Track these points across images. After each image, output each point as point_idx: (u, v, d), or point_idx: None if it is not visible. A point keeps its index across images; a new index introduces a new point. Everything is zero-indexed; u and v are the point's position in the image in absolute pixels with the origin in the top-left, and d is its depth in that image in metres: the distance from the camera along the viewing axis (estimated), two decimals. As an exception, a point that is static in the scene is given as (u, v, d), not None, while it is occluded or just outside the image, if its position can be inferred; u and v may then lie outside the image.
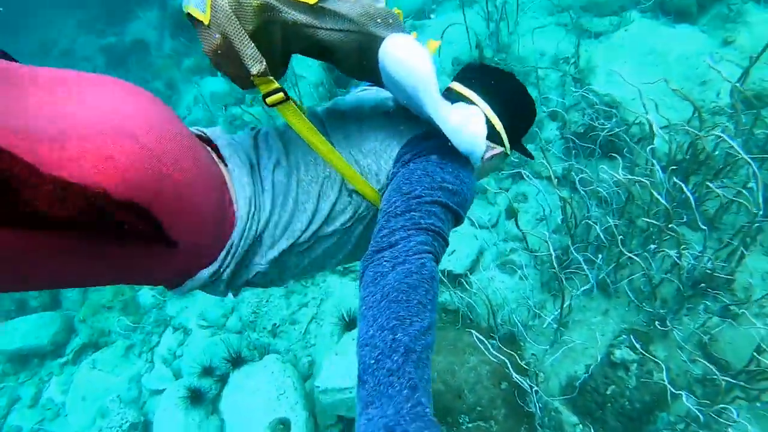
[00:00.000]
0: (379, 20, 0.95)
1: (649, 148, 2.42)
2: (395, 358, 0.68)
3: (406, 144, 1.07)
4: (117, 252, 0.79)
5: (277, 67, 1.02)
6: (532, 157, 1.31)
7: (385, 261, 0.82)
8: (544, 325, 2.72)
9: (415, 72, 0.94)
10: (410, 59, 0.94)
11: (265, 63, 0.91)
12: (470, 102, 1.13)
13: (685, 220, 2.70)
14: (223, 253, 0.97)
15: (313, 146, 1.04)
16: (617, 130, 2.94)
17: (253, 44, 0.89)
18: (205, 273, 0.96)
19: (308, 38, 0.95)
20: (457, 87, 1.17)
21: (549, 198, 3.19)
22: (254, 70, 0.90)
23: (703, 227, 2.10)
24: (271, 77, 0.95)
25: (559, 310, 2.56)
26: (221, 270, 0.99)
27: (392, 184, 0.99)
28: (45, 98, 0.72)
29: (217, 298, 3.89)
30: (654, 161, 2.39)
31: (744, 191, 2.35)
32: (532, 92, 3.92)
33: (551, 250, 2.47)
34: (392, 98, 1.20)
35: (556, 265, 2.39)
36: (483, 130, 1.06)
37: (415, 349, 0.69)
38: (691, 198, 2.17)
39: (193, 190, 0.84)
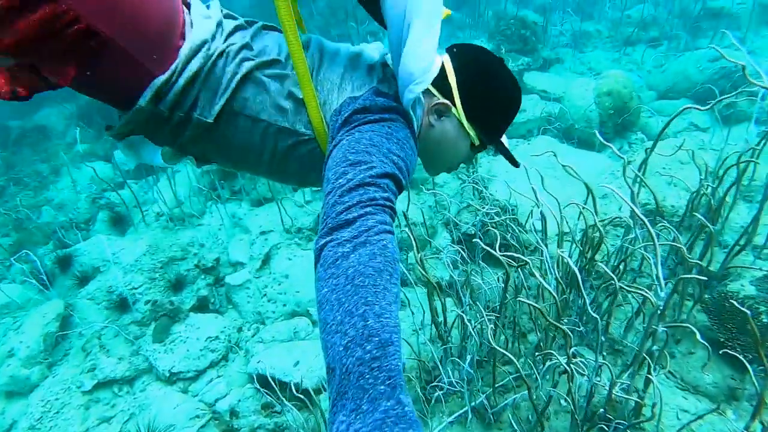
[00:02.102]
0: None
1: (532, 221, 1.98)
2: (368, 348, 0.64)
3: (355, 96, 1.07)
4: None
5: None
6: (516, 164, 1.26)
7: (345, 240, 0.78)
8: (401, 461, 1.97)
9: None
10: None
11: None
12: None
13: (582, 330, 2.18)
14: (165, 75, 0.98)
15: (285, 35, 1.03)
16: (504, 217, 2.53)
17: None
18: (145, 96, 0.98)
19: None
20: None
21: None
22: None
23: (596, 315, 1.58)
24: None
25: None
26: (160, 98, 1.00)
27: (337, 152, 0.96)
28: None
29: None
30: (540, 238, 1.94)
31: (649, 294, 1.91)
32: (428, 200, 3.68)
33: (401, 364, 1.87)
34: (371, 57, 1.19)
35: (413, 376, 1.76)
36: (432, 66, 1.06)
37: (392, 341, 0.65)
38: (583, 279, 1.68)
39: None
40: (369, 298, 0.69)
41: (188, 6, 1.11)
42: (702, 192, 2.48)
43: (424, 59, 1.03)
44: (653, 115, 4.38)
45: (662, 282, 1.58)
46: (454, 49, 1.20)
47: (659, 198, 3.08)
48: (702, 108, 1.95)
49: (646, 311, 2.16)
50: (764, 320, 2.15)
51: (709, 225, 2.06)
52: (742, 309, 1.45)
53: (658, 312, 1.69)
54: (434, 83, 1.14)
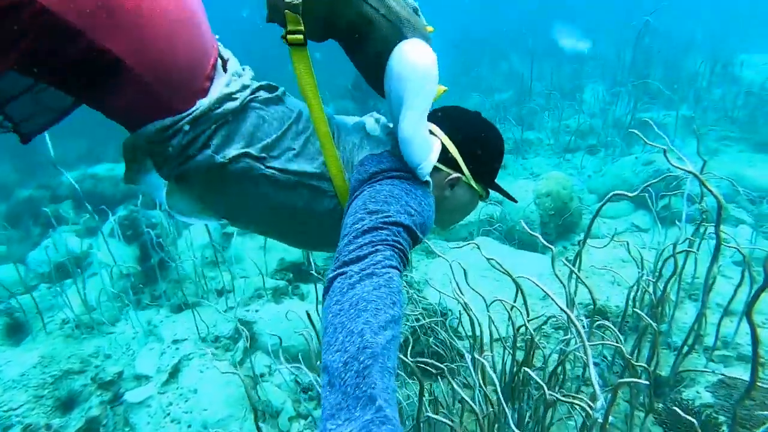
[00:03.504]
0: (414, 26, 1.12)
1: (456, 317, 1.73)
2: (362, 359, 0.67)
3: (376, 154, 1.15)
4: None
5: (313, 31, 1.10)
6: (513, 200, 1.40)
7: (353, 273, 0.82)
8: None
9: (418, 71, 1.06)
10: (421, 60, 1.06)
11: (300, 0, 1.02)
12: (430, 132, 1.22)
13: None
14: (180, 116, 1.02)
15: (307, 101, 1.10)
16: (429, 320, 2.27)
17: None
18: (156, 125, 1.01)
19: (355, 7, 1.06)
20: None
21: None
22: None
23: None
24: (301, 19, 1.04)
25: None
26: (175, 128, 1.02)
27: (357, 201, 1.01)
28: None
29: None
30: (466, 346, 1.68)
31: (590, 404, 1.63)
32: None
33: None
34: (374, 128, 1.27)
35: None
36: (433, 147, 1.15)
37: (381, 354, 0.69)
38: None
39: (169, 26, 0.95)
40: (369, 319, 0.73)
41: (224, 60, 1.17)
42: (642, 287, 2.31)
43: (424, 147, 1.12)
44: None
45: (597, 387, 1.33)
46: (439, 114, 1.29)
47: (602, 298, 2.91)
48: (630, 195, 1.85)
49: (591, 424, 1.86)
50: (724, 431, 1.89)
51: (650, 322, 1.85)
52: (687, 417, 1.20)
53: (598, 422, 1.41)
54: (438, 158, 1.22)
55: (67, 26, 0.84)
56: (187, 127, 1.03)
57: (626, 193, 1.85)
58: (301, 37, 1.05)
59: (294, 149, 1.12)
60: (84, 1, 0.84)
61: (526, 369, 1.49)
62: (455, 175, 1.24)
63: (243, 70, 1.19)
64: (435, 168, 1.22)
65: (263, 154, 1.09)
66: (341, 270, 0.84)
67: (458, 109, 1.32)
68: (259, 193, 1.12)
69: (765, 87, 5.98)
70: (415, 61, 1.05)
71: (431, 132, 1.22)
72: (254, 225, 1.27)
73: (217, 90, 1.05)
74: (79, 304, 3.53)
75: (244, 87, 1.11)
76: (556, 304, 1.21)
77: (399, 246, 0.90)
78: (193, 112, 1.02)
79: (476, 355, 1.68)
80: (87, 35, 0.86)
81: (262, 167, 1.09)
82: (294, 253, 3.91)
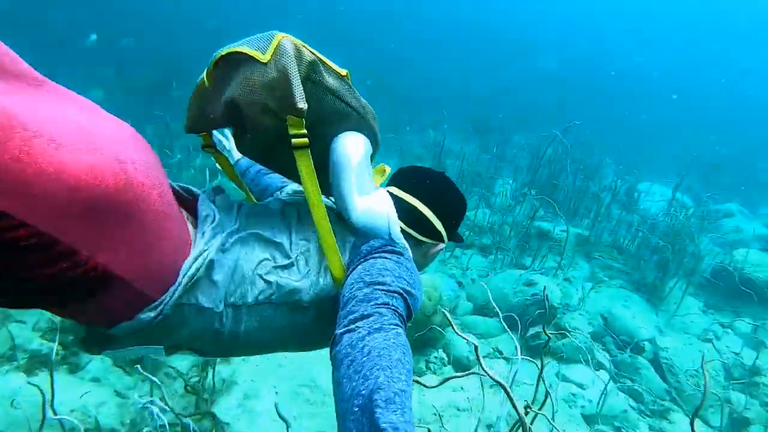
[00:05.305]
0: (372, 113, 1.21)
1: None
2: (377, 401, 0.67)
3: (360, 235, 1.17)
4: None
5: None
6: (462, 240, 1.49)
7: (360, 329, 0.83)
8: None
9: (347, 158, 1.14)
10: (350, 149, 1.14)
11: (307, 105, 1.00)
12: (412, 206, 1.29)
13: None
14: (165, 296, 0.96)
15: (310, 201, 1.09)
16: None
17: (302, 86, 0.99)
18: (149, 314, 0.94)
19: (330, 106, 1.09)
20: (396, 191, 1.31)
21: None
22: (300, 105, 0.98)
23: None
24: (304, 122, 1.03)
25: None
26: (159, 318, 0.96)
27: (353, 276, 1.02)
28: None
29: None
30: None
31: None
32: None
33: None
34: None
35: None
36: (390, 210, 1.20)
37: (394, 401, 0.68)
38: None
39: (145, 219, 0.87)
40: (383, 363, 0.73)
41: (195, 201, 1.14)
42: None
43: (381, 214, 1.17)
44: (462, 331, 4.04)
45: None
46: (413, 181, 1.33)
47: (418, 460, 2.49)
48: (462, 374, 1.48)
49: None
50: None
51: None
52: None
53: None
54: (414, 226, 1.29)
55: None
56: (170, 311, 0.96)
57: (461, 375, 1.47)
58: (306, 140, 1.04)
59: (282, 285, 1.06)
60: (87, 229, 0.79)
61: None
62: (441, 246, 1.36)
63: (212, 200, 1.16)
64: (419, 241, 1.30)
65: (259, 298, 1.04)
66: (347, 328, 0.84)
67: (425, 174, 1.36)
68: (265, 332, 1.08)
69: (654, 227, 6.09)
70: (346, 152, 1.13)
71: (413, 206, 1.28)
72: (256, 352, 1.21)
73: (190, 259, 0.99)
74: None
75: (214, 234, 1.06)
76: None
77: (399, 312, 0.91)
78: (169, 296, 0.95)
79: None
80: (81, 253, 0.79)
81: (250, 308, 1.05)
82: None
